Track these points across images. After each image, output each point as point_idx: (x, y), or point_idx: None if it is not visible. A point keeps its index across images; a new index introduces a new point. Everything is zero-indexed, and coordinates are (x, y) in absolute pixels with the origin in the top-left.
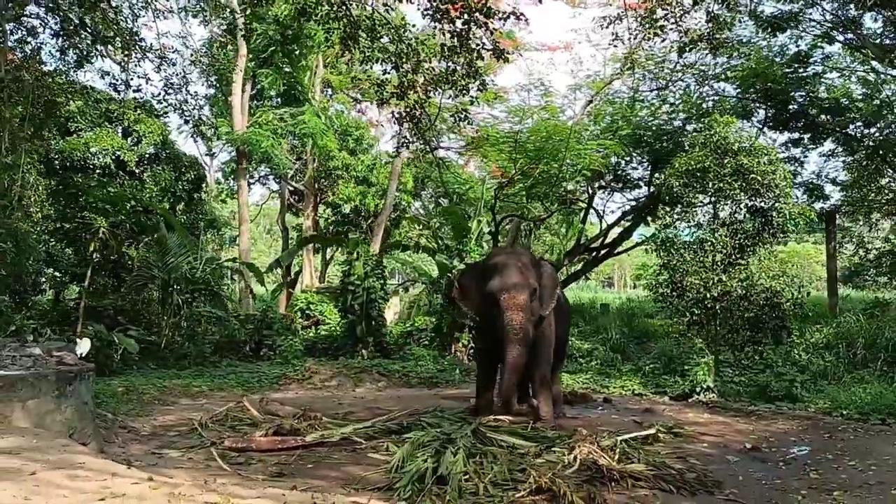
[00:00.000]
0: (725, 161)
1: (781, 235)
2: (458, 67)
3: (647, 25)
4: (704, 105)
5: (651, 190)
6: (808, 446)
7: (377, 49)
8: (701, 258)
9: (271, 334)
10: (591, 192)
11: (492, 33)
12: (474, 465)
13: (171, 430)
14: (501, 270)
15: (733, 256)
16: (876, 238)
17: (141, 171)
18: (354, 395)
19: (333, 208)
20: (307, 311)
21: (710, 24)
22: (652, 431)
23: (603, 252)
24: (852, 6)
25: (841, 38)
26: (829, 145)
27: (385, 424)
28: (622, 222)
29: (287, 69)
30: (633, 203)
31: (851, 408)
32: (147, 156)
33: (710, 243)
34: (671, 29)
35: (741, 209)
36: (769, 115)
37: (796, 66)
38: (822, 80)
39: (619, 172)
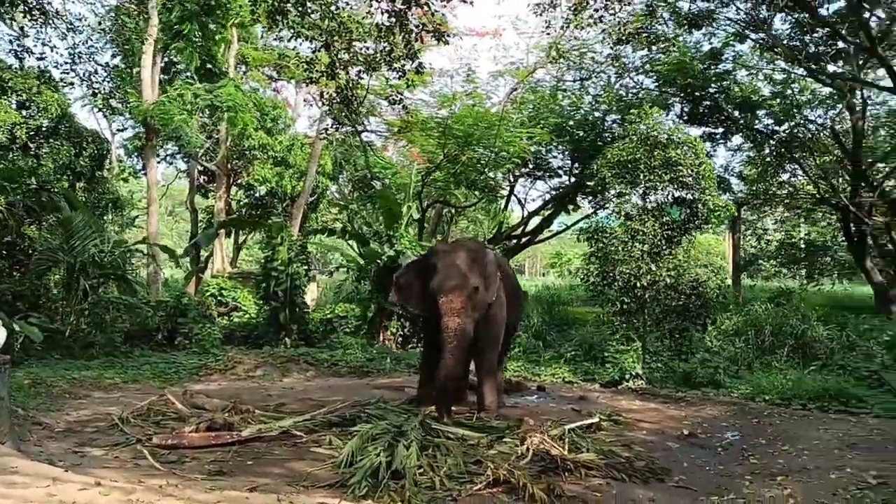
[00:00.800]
0: (655, 153)
1: (705, 227)
2: (395, 49)
3: (579, 15)
4: (625, 98)
5: (571, 179)
6: (740, 432)
7: (306, 25)
8: (630, 248)
9: (187, 322)
10: (512, 180)
11: (433, 14)
12: (428, 459)
13: (89, 426)
14: (441, 270)
15: (661, 246)
16: (776, 230)
17: (37, 146)
18: (283, 386)
19: (246, 190)
20: (220, 298)
21: (648, 17)
22: (595, 420)
23: (525, 240)
24: (764, 7)
25: (753, 36)
26: (737, 140)
27: (326, 417)
28: (543, 211)
29: (200, 42)
30: (554, 192)
31: (773, 393)
32: (44, 129)
33: (640, 233)
34: (606, 20)
35: (669, 200)
36: (685, 109)
37: (710, 62)
38: (734, 77)
39: (541, 161)
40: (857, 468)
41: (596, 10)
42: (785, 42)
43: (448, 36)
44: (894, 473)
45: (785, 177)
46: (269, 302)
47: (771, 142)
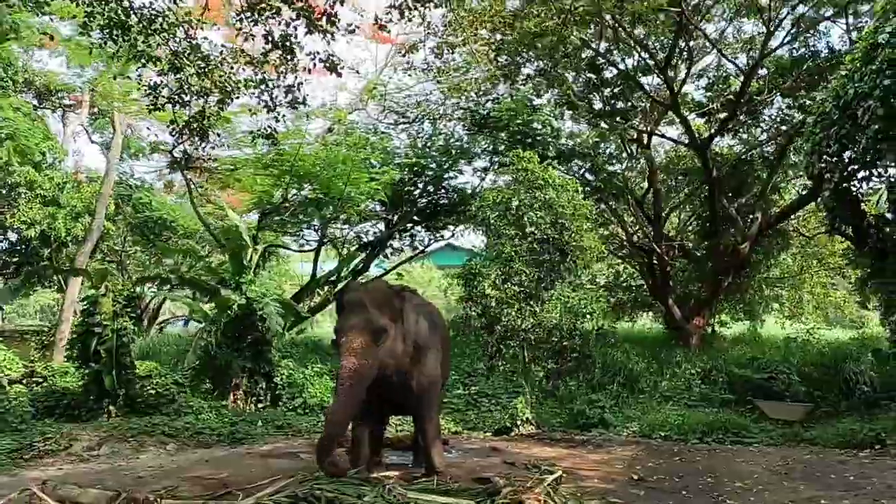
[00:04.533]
0: (536, 195)
1: (576, 268)
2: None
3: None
4: (446, 144)
5: (391, 223)
6: (681, 472)
7: (148, 45)
8: (505, 290)
9: None
10: (323, 225)
11: (329, 42)
12: None
13: None
14: (346, 308)
15: (539, 288)
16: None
17: None
18: (148, 465)
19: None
20: None
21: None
22: (559, 473)
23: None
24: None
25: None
26: None
27: (273, 499)
28: (358, 254)
29: None
30: (371, 237)
31: (665, 430)
32: None
33: (523, 274)
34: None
35: (546, 242)
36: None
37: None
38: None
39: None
40: (828, 498)
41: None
42: (576, 99)
43: (341, 68)
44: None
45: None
46: (89, 364)
47: (587, 189)
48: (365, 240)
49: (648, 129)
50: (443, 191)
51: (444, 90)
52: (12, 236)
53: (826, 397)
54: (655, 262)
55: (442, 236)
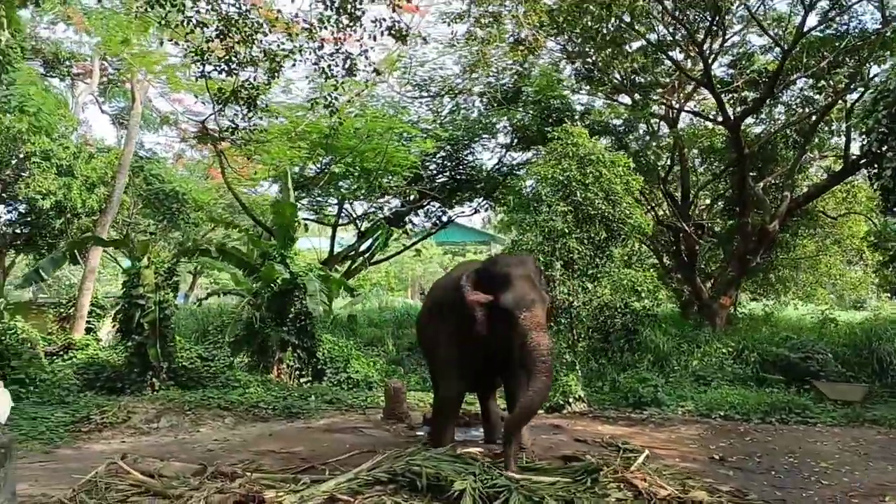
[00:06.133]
0: (588, 171)
1: (625, 244)
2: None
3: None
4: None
5: (412, 199)
6: (758, 452)
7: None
8: (554, 267)
9: (21, 365)
10: (342, 200)
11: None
12: None
13: None
14: (517, 282)
15: (592, 265)
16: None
17: None
18: (214, 439)
19: (10, 204)
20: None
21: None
22: (646, 453)
23: (360, 260)
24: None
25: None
26: None
27: (370, 474)
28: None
29: None
30: (387, 212)
31: (726, 409)
32: None
33: (577, 251)
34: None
35: (596, 219)
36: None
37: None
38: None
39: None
40: None
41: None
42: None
43: (407, 35)
44: None
45: None
46: (133, 336)
47: None
48: (381, 215)
49: (678, 104)
50: (461, 167)
51: (467, 65)
52: (22, 207)
53: (859, 377)
54: (682, 240)
55: (463, 212)
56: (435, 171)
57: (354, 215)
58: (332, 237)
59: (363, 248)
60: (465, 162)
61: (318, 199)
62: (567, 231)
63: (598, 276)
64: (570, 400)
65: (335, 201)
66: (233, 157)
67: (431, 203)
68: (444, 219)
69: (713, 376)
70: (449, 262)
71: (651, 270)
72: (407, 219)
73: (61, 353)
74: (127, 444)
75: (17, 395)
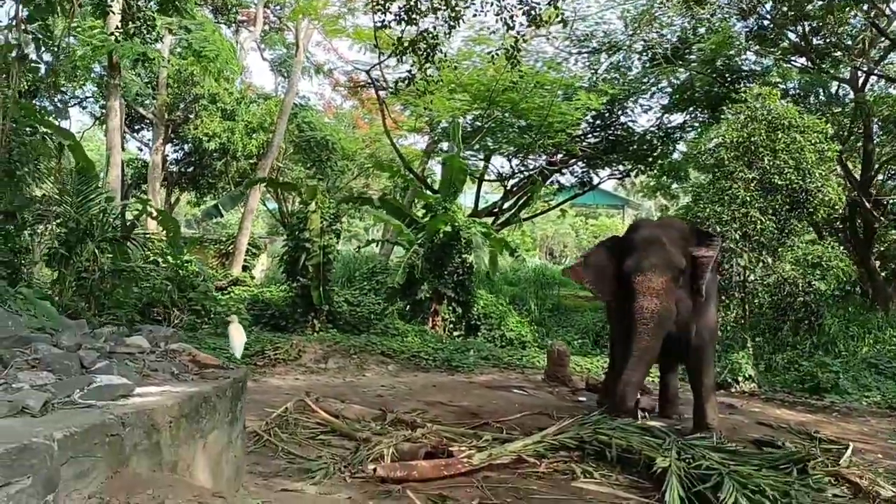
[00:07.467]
0: (778, 136)
1: (811, 218)
2: None
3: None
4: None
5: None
6: None
7: None
8: (735, 237)
9: (198, 297)
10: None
11: None
12: None
13: None
14: (640, 246)
15: (773, 237)
16: None
17: None
18: (382, 385)
19: (177, 144)
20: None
21: None
22: (851, 446)
23: (505, 217)
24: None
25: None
26: None
27: (557, 439)
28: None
29: None
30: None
31: None
32: None
33: (759, 222)
34: None
35: (782, 189)
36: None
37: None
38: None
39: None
40: None
41: None
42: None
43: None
44: None
45: None
46: (297, 278)
47: None
48: (527, 173)
49: (867, 67)
50: (612, 127)
51: (631, 19)
52: (187, 147)
53: None
54: (859, 215)
55: (613, 174)
56: (588, 131)
57: (501, 171)
58: (477, 192)
59: (506, 205)
60: (618, 123)
61: (467, 153)
62: (749, 200)
63: (780, 250)
64: (739, 378)
65: (481, 156)
66: (390, 109)
67: (577, 164)
68: (590, 180)
69: (888, 366)
70: (581, 225)
71: (840, 248)
72: (553, 178)
73: (227, 288)
74: (300, 381)
75: (192, 326)
